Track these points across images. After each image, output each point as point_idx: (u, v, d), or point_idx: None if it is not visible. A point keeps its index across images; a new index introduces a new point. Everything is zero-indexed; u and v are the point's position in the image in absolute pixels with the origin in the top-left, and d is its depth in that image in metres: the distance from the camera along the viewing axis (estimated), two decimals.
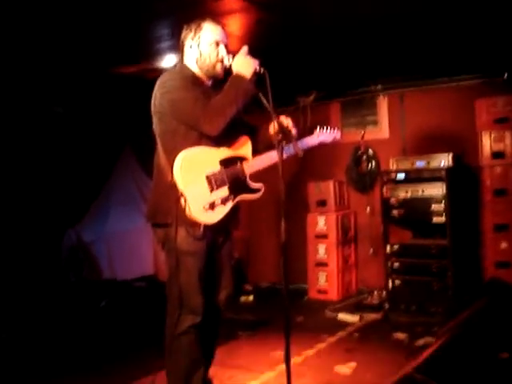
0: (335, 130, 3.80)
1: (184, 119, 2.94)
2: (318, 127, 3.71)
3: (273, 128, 3.13)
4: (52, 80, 5.96)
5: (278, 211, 3.88)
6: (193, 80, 3.06)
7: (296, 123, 6.89)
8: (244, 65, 3.00)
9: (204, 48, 3.08)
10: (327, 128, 3.73)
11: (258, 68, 3.02)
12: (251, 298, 6.94)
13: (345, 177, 7.08)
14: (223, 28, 3.20)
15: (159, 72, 4.91)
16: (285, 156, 3.07)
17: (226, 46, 3.14)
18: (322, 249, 6.74)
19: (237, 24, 5.11)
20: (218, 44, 3.09)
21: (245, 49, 3.06)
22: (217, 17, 4.52)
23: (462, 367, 2.75)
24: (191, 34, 3.11)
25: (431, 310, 5.43)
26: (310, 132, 3.70)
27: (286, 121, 3.23)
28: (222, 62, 3.09)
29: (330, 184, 6.85)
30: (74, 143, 6.97)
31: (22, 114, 6.27)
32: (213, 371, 3.39)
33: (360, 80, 6.78)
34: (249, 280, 7.59)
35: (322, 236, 6.76)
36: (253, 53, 3.11)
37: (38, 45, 4.97)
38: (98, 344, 5.03)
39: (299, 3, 4.49)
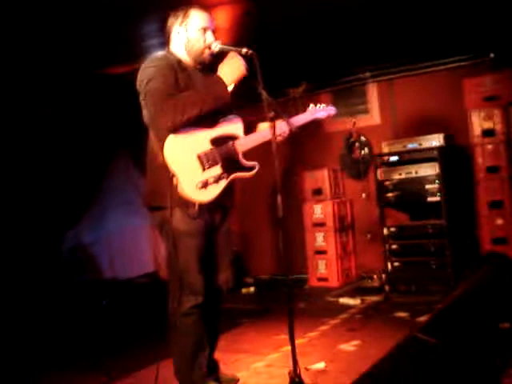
0: (329, 106, 3.75)
1: (150, 109, 2.97)
2: (311, 104, 3.67)
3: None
4: (42, 82, 5.98)
5: (273, 202, 3.91)
6: (177, 66, 3.06)
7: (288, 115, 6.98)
8: (231, 69, 3.03)
9: (192, 34, 3.12)
10: (320, 105, 3.69)
11: (245, 50, 3.07)
12: (252, 289, 6.99)
13: (339, 165, 7.14)
14: (210, 14, 3.25)
15: None
16: (278, 133, 3.12)
17: (214, 32, 3.18)
18: (320, 237, 6.79)
19: (224, 16, 5.16)
20: (205, 30, 3.13)
21: (237, 53, 3.09)
22: (205, 9, 4.62)
23: (463, 329, 2.81)
24: (179, 21, 3.15)
25: (432, 289, 5.50)
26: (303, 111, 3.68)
27: None
28: (209, 47, 3.14)
29: (325, 172, 6.90)
30: (69, 145, 6.99)
31: (18, 117, 6.29)
32: (218, 356, 3.43)
33: (349, 69, 6.84)
34: (249, 273, 7.64)
35: (320, 224, 6.82)
36: (241, 45, 3.16)
37: (27, 46, 5.00)
38: (101, 339, 5.07)
39: None
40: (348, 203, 7.10)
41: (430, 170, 5.66)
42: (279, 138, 3.24)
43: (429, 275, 5.61)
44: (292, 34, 5.52)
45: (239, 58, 3.06)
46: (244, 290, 6.93)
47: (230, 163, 3.11)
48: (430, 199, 5.64)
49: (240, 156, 3.17)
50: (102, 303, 6.38)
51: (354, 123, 6.35)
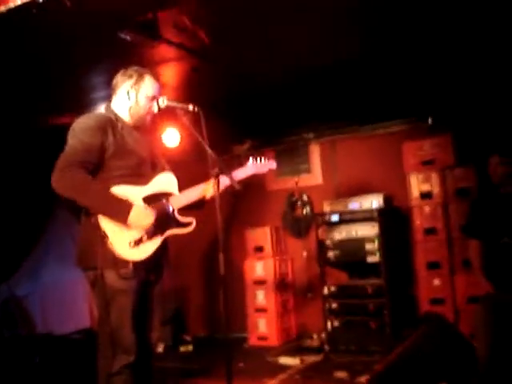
0: (269, 161, 3.79)
1: (58, 161, 2.93)
2: (251, 158, 3.69)
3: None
4: None
5: (213, 257, 3.87)
6: (111, 123, 3.07)
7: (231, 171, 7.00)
8: (143, 216, 2.97)
9: (141, 99, 3.17)
10: (261, 159, 3.72)
11: (191, 107, 3.12)
12: (190, 347, 6.84)
13: (281, 223, 7.17)
14: (159, 83, 3.29)
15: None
16: (221, 188, 3.13)
17: (157, 103, 3.22)
18: (260, 294, 6.75)
19: (172, 72, 5.22)
20: (154, 99, 3.19)
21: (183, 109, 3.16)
22: (152, 65, 4.67)
23: None
24: (131, 82, 3.18)
25: (371, 349, 5.51)
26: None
27: None
28: (152, 114, 3.22)
29: (267, 230, 6.92)
30: (6, 196, 6.81)
31: None
32: None
33: (293, 128, 6.97)
34: (188, 330, 7.49)
35: (261, 282, 6.78)
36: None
37: None
38: None
39: (233, 52, 4.65)
40: (289, 261, 7.10)
41: (369, 230, 5.75)
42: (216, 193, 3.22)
43: (368, 335, 5.62)
44: (238, 92, 5.61)
45: (152, 214, 3.02)
46: (182, 348, 6.78)
47: (165, 220, 3.10)
48: (369, 259, 5.71)
49: (175, 212, 3.17)
50: (35, 360, 6.11)
51: (297, 182, 6.45)
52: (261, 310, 6.75)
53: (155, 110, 3.20)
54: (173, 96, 5.44)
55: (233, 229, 7.18)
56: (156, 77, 3.28)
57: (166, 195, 3.17)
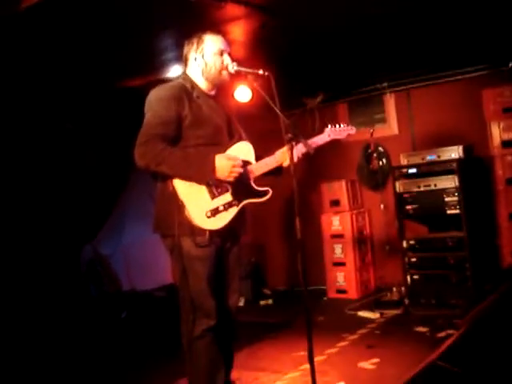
0: (348, 126, 3.68)
1: (138, 137, 2.97)
2: (330, 125, 3.60)
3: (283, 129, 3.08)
4: (61, 96, 6.01)
5: (290, 214, 3.89)
6: (187, 93, 3.09)
7: (304, 125, 6.98)
8: (226, 167, 2.97)
9: (208, 58, 3.16)
10: (339, 125, 3.62)
11: (261, 72, 3.08)
12: (270, 301, 6.96)
13: (356, 176, 7.08)
14: (224, 36, 3.27)
15: (165, 82, 4.98)
16: (295, 155, 3.10)
17: (229, 54, 3.22)
18: (338, 248, 6.75)
19: (240, 30, 5.15)
20: (221, 53, 3.18)
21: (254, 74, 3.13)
22: (220, 24, 4.63)
23: (485, 354, 2.76)
24: (194, 47, 3.19)
25: (451, 303, 5.42)
26: (320, 131, 3.65)
27: None
28: (226, 69, 3.17)
29: (343, 183, 6.87)
30: (88, 158, 7.03)
31: (34, 131, 6.32)
32: (237, 374, 3.43)
33: (366, 79, 6.80)
34: (267, 284, 7.62)
35: (338, 236, 6.78)
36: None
37: (47, 62, 5.03)
38: (120, 354, 5.09)
39: (301, 5, 4.53)
40: (366, 214, 7.04)
41: (449, 182, 5.58)
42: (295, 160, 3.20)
43: (449, 288, 5.53)
44: (309, 44, 5.49)
45: (237, 158, 3.04)
46: (262, 302, 6.91)
47: (241, 190, 3.09)
48: (449, 212, 5.57)
49: (251, 182, 3.16)
50: (121, 316, 6.40)
51: (372, 133, 6.30)
52: (339, 264, 6.77)
53: (229, 64, 3.16)
54: (242, 53, 5.52)
55: (308, 183, 7.14)
56: (216, 31, 3.26)
57: (245, 163, 3.14)
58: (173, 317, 3.48)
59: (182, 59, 3.31)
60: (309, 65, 6.11)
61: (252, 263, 7.31)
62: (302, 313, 2.99)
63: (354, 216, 6.79)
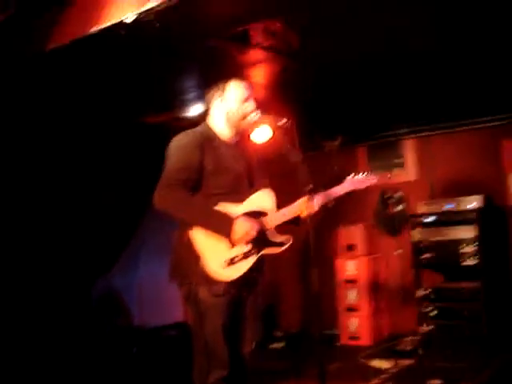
0: (370, 175, 3.58)
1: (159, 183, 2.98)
2: (351, 174, 3.53)
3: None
4: (82, 130, 6.08)
5: (306, 254, 3.85)
6: (208, 140, 3.10)
7: (322, 168, 6.95)
8: (240, 232, 2.95)
9: (232, 105, 3.17)
10: (361, 173, 3.55)
11: (284, 121, 3.08)
12: (281, 345, 6.87)
13: (373, 220, 7.03)
14: (245, 79, 3.28)
15: (185, 121, 5.03)
16: (314, 207, 3.08)
17: (253, 100, 3.22)
18: (352, 294, 6.67)
19: (262, 73, 5.20)
20: (245, 100, 3.18)
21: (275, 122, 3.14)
22: (242, 68, 4.69)
23: None
24: (217, 94, 3.21)
25: (466, 356, 5.31)
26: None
27: None
28: (248, 117, 3.18)
29: (360, 228, 6.82)
30: (106, 191, 7.05)
31: (57, 167, 6.37)
32: None
33: (386, 123, 6.80)
34: (279, 326, 7.52)
35: (352, 281, 6.71)
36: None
37: (67, 99, 5.11)
38: None
39: (323, 50, 4.55)
40: (382, 260, 6.96)
41: (467, 232, 5.53)
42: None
43: (464, 340, 5.42)
44: (330, 87, 5.51)
45: (255, 225, 3.01)
46: (273, 345, 6.81)
47: (260, 239, 3.07)
48: (466, 262, 5.51)
49: (271, 231, 3.14)
50: (133, 351, 6.34)
51: (390, 178, 6.25)
52: (352, 309, 6.68)
53: (252, 111, 3.17)
54: (263, 94, 5.55)
55: (324, 225, 7.08)
56: (241, 78, 3.28)
57: (263, 213, 3.14)
58: (184, 357, 3.45)
59: (203, 99, 3.34)
60: (328, 107, 6.13)
61: (265, 305, 7.22)
62: (314, 359, 2.98)
63: (369, 261, 6.72)
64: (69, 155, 6.52)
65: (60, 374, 5.47)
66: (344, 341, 6.71)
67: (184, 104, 5.72)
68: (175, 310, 7.16)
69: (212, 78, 3.35)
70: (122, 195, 7.27)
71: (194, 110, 5.83)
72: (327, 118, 6.47)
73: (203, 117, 3.32)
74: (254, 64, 4.82)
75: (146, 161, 7.25)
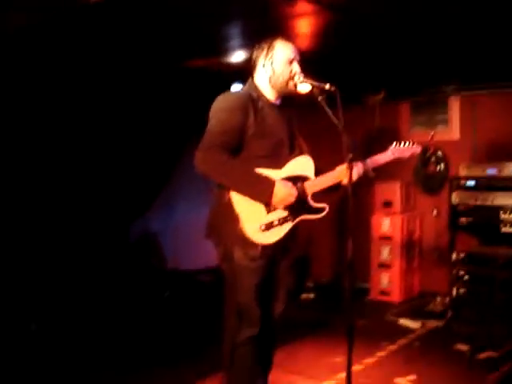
0: (414, 145, 3.49)
1: (201, 143, 2.95)
2: (394, 143, 3.46)
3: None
4: (123, 76, 6.08)
5: (341, 205, 3.80)
6: (252, 103, 3.05)
7: (363, 123, 6.86)
8: (284, 192, 2.95)
9: (277, 66, 3.11)
10: (404, 143, 3.47)
11: (328, 87, 3.01)
12: (312, 295, 6.96)
13: (412, 178, 6.94)
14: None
15: (226, 66, 4.89)
16: (355, 177, 3.05)
17: (299, 62, 3.16)
18: (385, 250, 6.68)
19: (307, 25, 5.07)
20: (290, 62, 3.12)
21: (319, 88, 3.04)
22: (288, 19, 4.57)
23: None
24: (264, 53, 3.14)
25: (495, 322, 5.29)
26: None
27: None
28: (293, 78, 3.11)
29: (397, 185, 6.75)
30: (143, 135, 7.09)
31: (94, 112, 6.41)
32: (273, 375, 3.43)
33: (431, 80, 6.60)
34: (310, 276, 7.59)
35: (387, 238, 6.70)
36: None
37: (115, 45, 5.10)
38: (160, 338, 5.15)
39: (372, 4, 4.41)
40: (418, 218, 6.92)
41: (508, 198, 5.41)
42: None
43: (494, 307, 5.38)
44: (377, 40, 5.36)
45: (295, 191, 3.01)
46: (304, 296, 6.90)
47: (298, 205, 3.07)
48: (504, 229, 5.41)
49: (309, 198, 3.13)
50: (164, 295, 6.50)
51: (432, 136, 6.12)
52: (385, 266, 6.71)
53: (298, 74, 3.11)
54: (308, 45, 5.44)
55: (362, 181, 7.03)
56: (288, 39, 3.20)
57: (302, 179, 3.12)
58: (215, 304, 3.54)
59: (246, 47, 3.25)
60: (373, 62, 5.98)
61: (299, 254, 7.29)
62: (343, 314, 2.97)
63: (405, 219, 6.68)
64: (115, 99, 6.57)
65: (93, 311, 5.66)
66: (374, 295, 6.77)
67: (228, 50, 5.64)
68: (209, 255, 7.26)
69: (257, 27, 3.28)
70: (162, 139, 7.32)
71: (236, 57, 5.75)
72: (372, 72, 6.32)
73: (247, 68, 3.26)
74: (299, 16, 4.71)
75: (188, 105, 7.28)
